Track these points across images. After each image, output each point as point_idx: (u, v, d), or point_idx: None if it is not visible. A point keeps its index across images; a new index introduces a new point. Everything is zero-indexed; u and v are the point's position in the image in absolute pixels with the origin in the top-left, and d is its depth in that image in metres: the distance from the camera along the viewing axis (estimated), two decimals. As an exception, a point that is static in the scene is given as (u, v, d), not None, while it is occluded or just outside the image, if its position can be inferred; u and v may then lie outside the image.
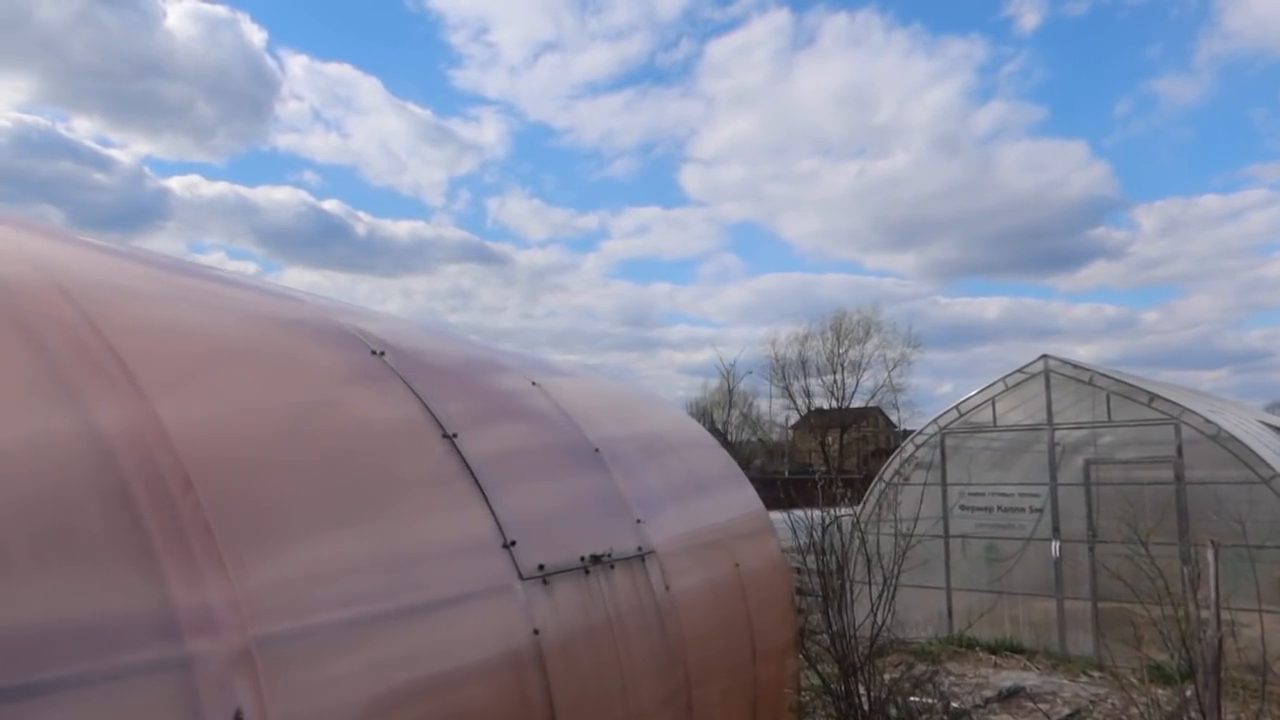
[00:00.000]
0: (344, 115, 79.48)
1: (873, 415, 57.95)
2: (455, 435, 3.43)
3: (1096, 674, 10.48)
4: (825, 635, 7.25)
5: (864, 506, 12.93)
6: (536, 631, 3.22)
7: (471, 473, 3.36)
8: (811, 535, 7.73)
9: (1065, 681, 10.28)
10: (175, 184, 75.67)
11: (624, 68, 79.89)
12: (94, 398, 2.23)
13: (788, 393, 53.96)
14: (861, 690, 7.00)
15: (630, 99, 79.57)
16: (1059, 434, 12.09)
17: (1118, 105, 74.73)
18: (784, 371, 53.62)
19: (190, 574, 2.04)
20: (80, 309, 2.58)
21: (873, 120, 74.01)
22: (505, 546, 3.28)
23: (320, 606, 2.40)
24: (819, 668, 7.34)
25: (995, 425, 12.73)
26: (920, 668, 7.52)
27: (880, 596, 7.25)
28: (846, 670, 7.05)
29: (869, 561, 7.52)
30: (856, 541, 7.95)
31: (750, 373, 47.96)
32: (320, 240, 73.78)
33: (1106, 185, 71.82)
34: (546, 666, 3.20)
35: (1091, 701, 9.36)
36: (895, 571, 7.32)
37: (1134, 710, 6.98)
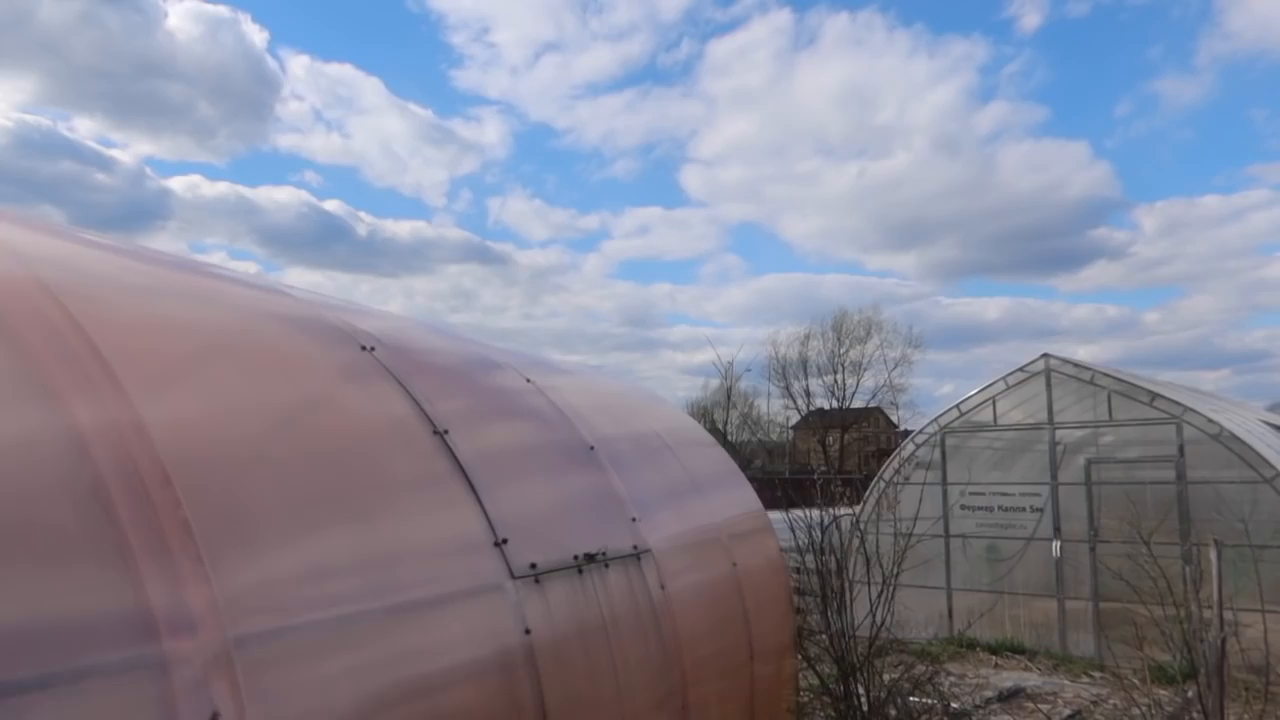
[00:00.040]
0: (345, 115, 79.48)
1: (873, 415, 57.88)
2: (446, 432, 3.38)
3: (1098, 674, 10.42)
4: (824, 635, 7.20)
5: (864, 506, 12.87)
6: (528, 631, 3.16)
7: (462, 470, 3.31)
8: (811, 535, 7.68)
9: (1066, 682, 10.22)
10: (176, 184, 75.69)
11: (625, 68, 79.90)
12: (71, 396, 2.18)
13: (788, 393, 53.94)
14: (860, 691, 6.94)
15: (631, 99, 79.55)
16: (1060, 433, 12.03)
17: (1119, 106, 74.70)
18: (784, 371, 53.60)
19: (167, 574, 1.99)
20: (61, 305, 2.53)
21: (874, 120, 73.99)
22: (496, 545, 3.23)
23: (303, 606, 2.35)
24: (818, 668, 7.29)
25: (996, 424, 12.67)
26: (920, 668, 7.46)
27: (879, 596, 7.20)
28: (845, 670, 7.00)
29: (868, 561, 7.47)
30: (856, 541, 7.90)
31: (749, 370, 47.85)
32: (321, 240, 73.80)
33: (1108, 185, 71.78)
34: (538, 667, 3.14)
35: (1093, 702, 9.30)
36: (895, 571, 7.27)
37: (1135, 711, 6.93)
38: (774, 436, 56.79)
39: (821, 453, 52.13)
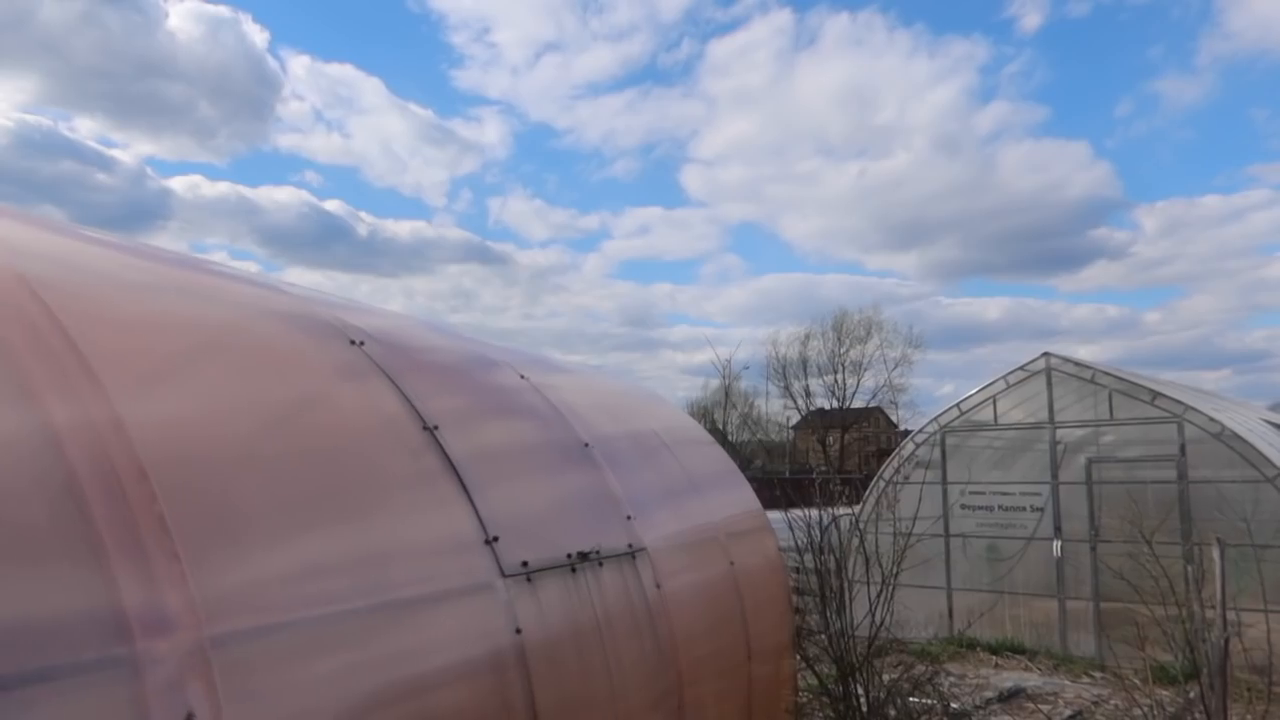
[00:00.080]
0: (346, 115, 79.39)
1: (874, 415, 57.82)
2: (436, 428, 3.32)
3: (1098, 675, 10.36)
4: (823, 635, 7.15)
5: (864, 506, 12.82)
6: (519, 631, 3.10)
7: (453, 466, 3.25)
8: (810, 535, 7.63)
9: (1067, 682, 10.16)
10: (177, 184, 75.60)
11: (625, 68, 79.79)
12: (47, 393, 2.12)
13: (788, 393, 53.88)
14: (860, 691, 6.89)
15: (632, 99, 79.46)
16: (1061, 432, 11.97)
17: (1119, 106, 74.55)
18: (784, 371, 53.54)
19: (140, 571, 1.94)
20: (41, 300, 2.47)
21: (874, 120, 73.86)
22: (487, 543, 3.17)
23: (285, 606, 2.29)
24: (817, 668, 7.24)
25: (996, 424, 12.61)
26: (920, 668, 7.40)
27: (879, 596, 7.14)
28: (844, 671, 6.95)
29: (867, 561, 7.42)
30: (855, 541, 7.85)
31: (746, 367, 47.70)
32: (322, 240, 73.72)
33: (1108, 185, 71.65)
34: (529, 667, 3.08)
35: (1094, 703, 9.24)
36: (894, 571, 7.22)
37: (1137, 711, 6.87)
38: (774, 437, 56.72)
39: (822, 453, 52.08)
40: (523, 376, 4.82)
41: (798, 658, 7.10)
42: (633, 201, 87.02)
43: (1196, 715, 6.14)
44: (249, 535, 2.34)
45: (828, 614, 7.18)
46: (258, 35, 77.85)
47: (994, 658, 11.20)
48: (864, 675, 6.91)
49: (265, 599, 2.26)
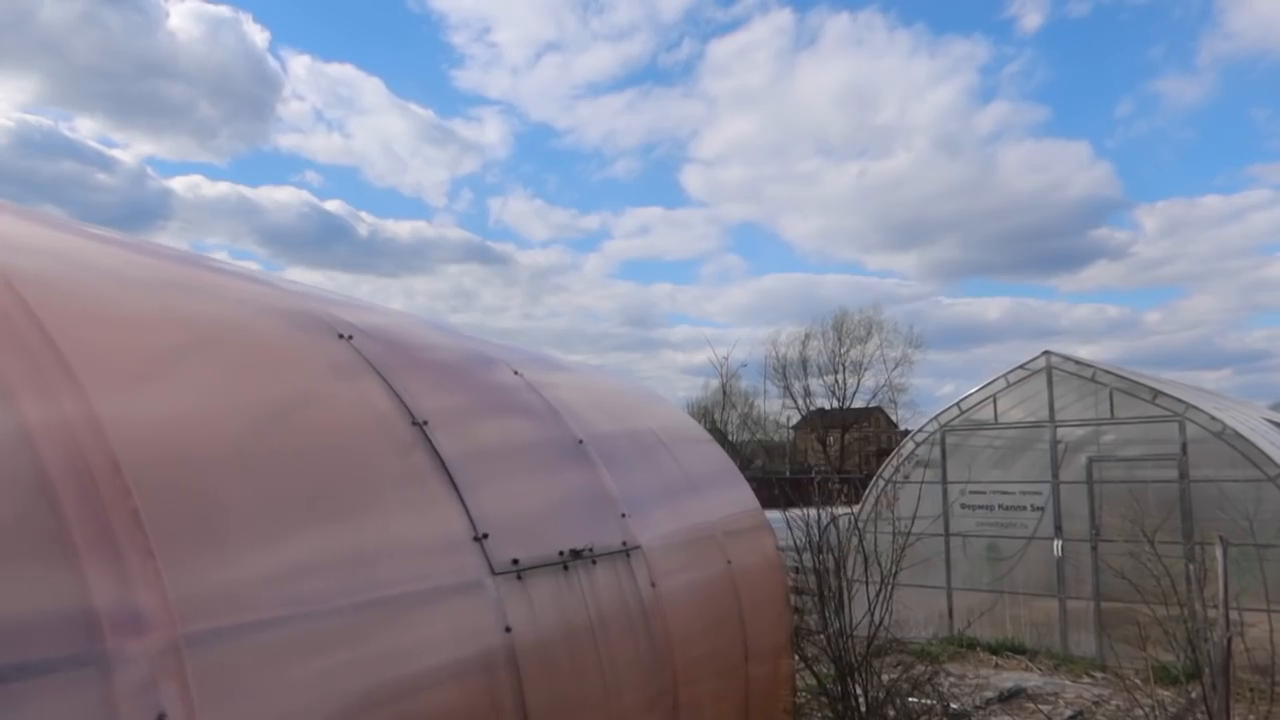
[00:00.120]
0: (346, 115, 79.23)
1: (874, 415, 57.75)
2: (425, 423, 3.26)
3: (1099, 675, 10.30)
4: (822, 635, 7.09)
5: (863, 505, 12.76)
6: (508, 629, 3.04)
7: (442, 462, 3.19)
8: (809, 534, 7.57)
9: (1067, 682, 10.10)
10: (178, 184, 75.46)
11: (626, 68, 79.63)
12: (20, 390, 2.06)
13: (788, 393, 53.81)
14: (859, 691, 6.84)
15: (632, 99, 79.32)
16: (1061, 431, 11.91)
17: (1120, 105, 74.36)
18: (785, 371, 53.47)
19: (113, 569, 1.87)
20: (18, 294, 2.41)
21: (875, 120, 73.70)
22: (476, 540, 3.11)
23: (266, 604, 2.23)
24: (815, 668, 7.18)
25: (997, 422, 12.55)
26: (919, 668, 7.35)
27: (878, 595, 7.09)
28: (843, 671, 6.89)
29: (866, 560, 7.36)
30: (854, 540, 7.79)
31: (744, 364, 47.52)
32: (322, 240, 73.58)
33: (1109, 185, 71.48)
34: (519, 667, 3.02)
35: (1094, 703, 9.18)
36: (893, 570, 7.16)
37: (1138, 712, 6.81)
38: (774, 437, 56.65)
39: (822, 453, 52.02)
40: (517, 373, 4.76)
41: (796, 658, 7.04)
42: (633, 201, 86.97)
43: (1198, 715, 6.08)
44: (229, 532, 2.27)
45: (826, 613, 7.12)
46: (258, 35, 77.74)
47: (994, 658, 11.14)
48: (863, 675, 6.85)
49: (245, 597, 2.20)
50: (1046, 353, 12.24)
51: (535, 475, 3.98)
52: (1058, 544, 11.58)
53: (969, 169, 71.52)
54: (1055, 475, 11.80)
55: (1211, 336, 74.17)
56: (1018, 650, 11.33)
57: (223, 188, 76.68)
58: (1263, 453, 10.23)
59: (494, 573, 3.10)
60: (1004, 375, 12.47)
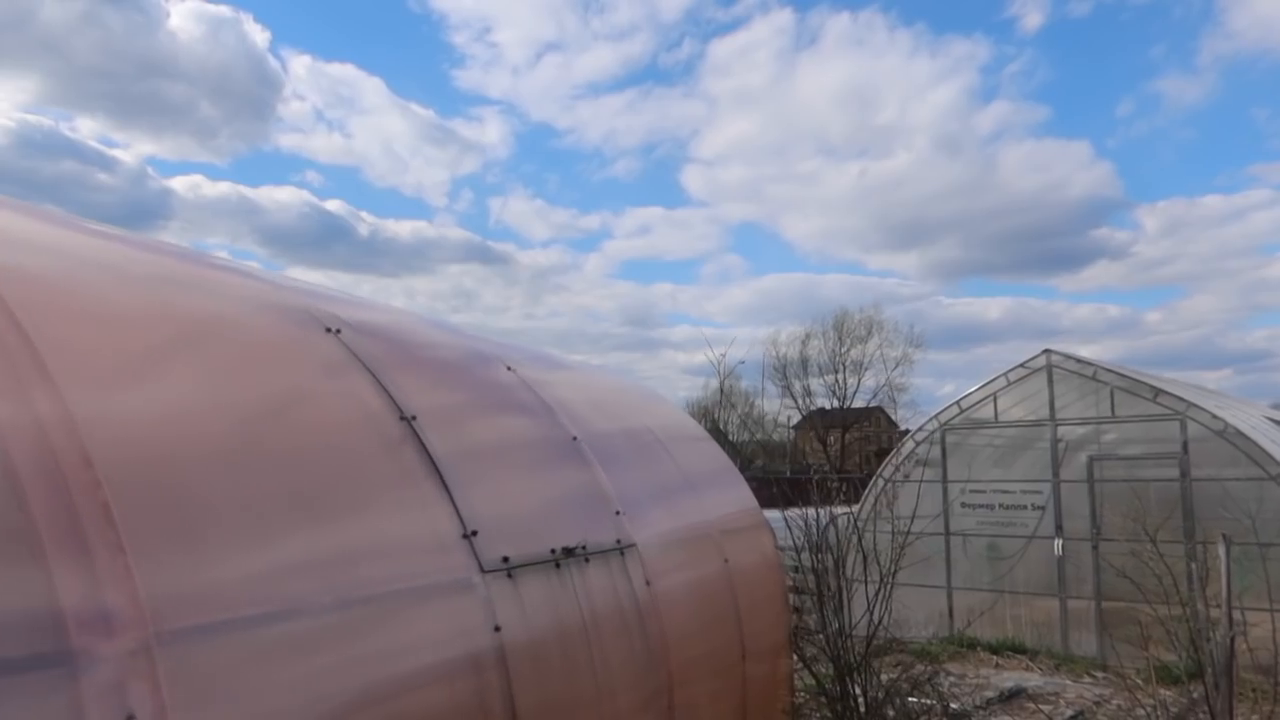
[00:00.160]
0: (347, 115, 79.02)
1: (875, 415, 57.68)
2: (414, 418, 3.20)
3: (1100, 675, 10.23)
4: (821, 635, 7.03)
5: (863, 504, 12.69)
6: (498, 629, 2.98)
7: (430, 458, 3.12)
8: (807, 533, 7.51)
9: (1068, 682, 10.04)
10: (178, 184, 75.23)
11: (626, 68, 79.41)
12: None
13: (789, 392, 53.73)
14: (858, 691, 6.77)
15: (632, 99, 79.11)
16: (1062, 430, 11.84)
17: (1121, 105, 74.09)
18: (785, 371, 53.39)
19: (81, 565, 1.81)
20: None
21: (875, 120, 73.48)
22: (465, 537, 3.04)
23: (244, 603, 2.17)
24: (814, 668, 7.12)
25: (997, 421, 12.48)
26: (919, 668, 7.28)
27: (877, 595, 7.02)
28: (842, 670, 6.83)
29: (865, 559, 7.29)
30: (854, 539, 7.72)
31: (742, 362, 47.35)
32: (323, 240, 73.38)
33: (1109, 185, 71.23)
34: (508, 667, 2.96)
35: (1095, 703, 9.12)
36: (892, 570, 7.10)
37: (1140, 712, 6.75)
38: (774, 436, 56.57)
39: (822, 452, 51.94)
40: (511, 369, 4.70)
41: (795, 657, 6.98)
42: (633, 201, 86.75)
43: (1200, 715, 6.02)
44: (207, 530, 2.21)
45: (825, 613, 7.06)
46: (259, 35, 77.53)
47: (994, 657, 11.07)
48: (862, 675, 6.79)
49: (223, 596, 2.13)
50: (1047, 351, 12.17)
51: (527, 472, 3.91)
52: (1058, 543, 11.52)
53: (969, 169, 71.39)
54: (1056, 474, 11.73)
55: (1212, 336, 74.03)
56: (1018, 650, 11.26)
57: (223, 188, 76.54)
58: (1265, 451, 10.16)
59: (483, 571, 3.04)
60: (1004, 374, 12.40)
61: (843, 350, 53.13)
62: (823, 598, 7.11)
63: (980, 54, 73.49)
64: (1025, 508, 12.01)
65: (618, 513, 4.33)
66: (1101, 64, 73.15)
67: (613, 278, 79.45)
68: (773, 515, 8.30)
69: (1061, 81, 73.78)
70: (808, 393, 53.94)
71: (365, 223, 75.87)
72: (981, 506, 12.36)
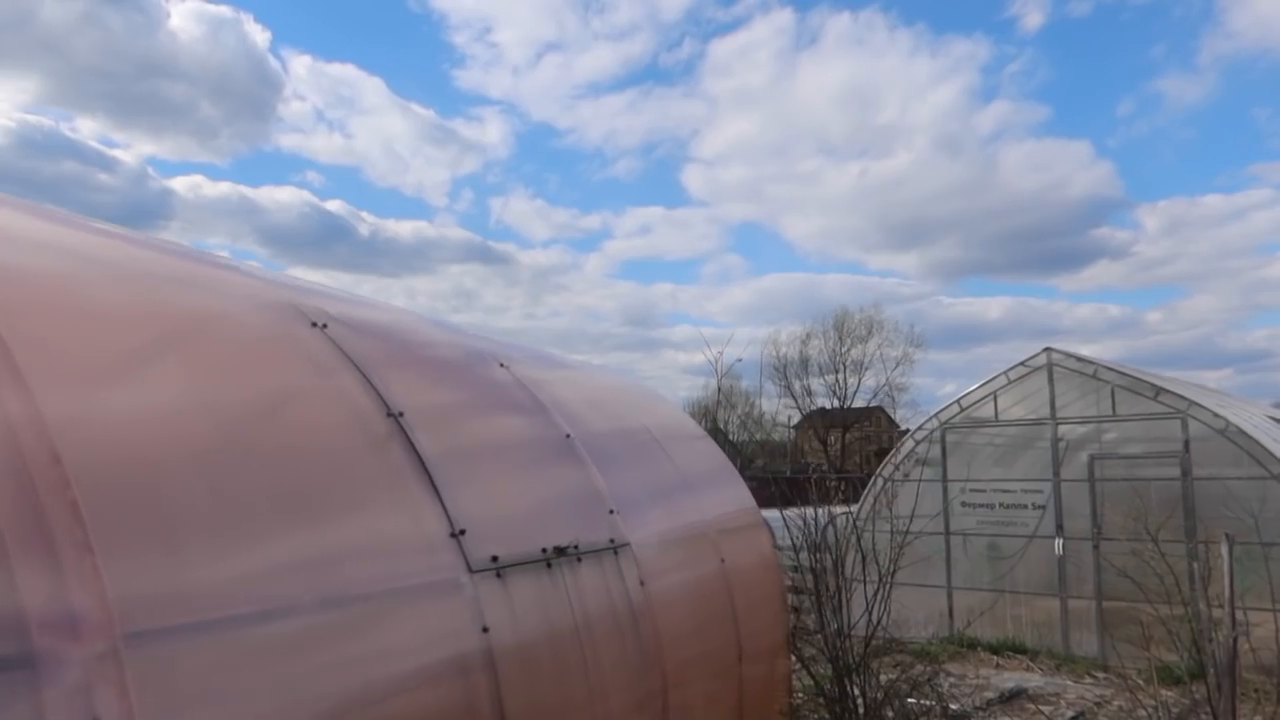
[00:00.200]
0: (347, 115, 78.90)
1: (875, 415, 57.61)
2: (401, 415, 3.13)
3: (1101, 675, 10.17)
4: (819, 635, 6.97)
5: (862, 504, 12.63)
6: (486, 630, 2.91)
7: (418, 455, 3.06)
8: (805, 533, 7.45)
9: (1069, 683, 9.97)
10: (179, 184, 75.08)
11: (627, 68, 79.28)
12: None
13: (789, 392, 53.66)
14: (857, 692, 6.71)
15: (633, 99, 79.00)
16: (1062, 429, 11.77)
17: (1121, 105, 73.93)
18: (785, 371, 53.31)
19: (45, 564, 1.75)
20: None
21: (875, 120, 73.33)
22: (453, 536, 2.98)
23: (220, 605, 2.10)
24: (813, 669, 7.06)
25: (997, 420, 12.41)
26: (919, 669, 7.22)
27: (876, 595, 6.96)
28: (841, 671, 6.77)
29: (864, 559, 7.23)
30: (853, 539, 7.66)
31: (740, 360, 47.24)
32: (323, 240, 73.25)
33: (1110, 185, 71.07)
34: (497, 669, 2.89)
35: (1096, 704, 9.05)
36: (891, 569, 7.03)
37: (1141, 713, 6.69)
38: (773, 436, 56.49)
39: (823, 452, 51.87)
40: (504, 367, 4.63)
41: (793, 658, 6.91)
42: (634, 201, 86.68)
43: (1203, 716, 5.95)
44: (183, 529, 2.15)
45: (824, 613, 7.00)
46: (259, 35, 77.40)
47: (995, 658, 11.01)
48: (861, 676, 6.73)
49: (198, 597, 2.07)
50: (1048, 349, 12.11)
51: (519, 470, 3.85)
52: (1059, 542, 11.45)
53: (970, 168, 71.25)
54: (1056, 473, 11.66)
55: (1213, 336, 73.88)
56: (1019, 650, 11.20)
57: (224, 188, 76.41)
58: (1267, 450, 10.09)
59: (471, 571, 2.97)
60: (1005, 372, 12.33)
61: (843, 350, 53.07)
62: (821, 598, 7.04)
63: (981, 54, 73.37)
64: (1026, 507, 11.94)
65: (611, 512, 4.26)
66: (1102, 64, 73.05)
67: (613, 278, 79.38)
68: (772, 515, 8.24)
69: (1062, 81, 73.68)
70: (808, 392, 53.87)
71: (366, 223, 75.79)
72: (982, 506, 12.29)
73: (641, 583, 4.19)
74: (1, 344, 2.12)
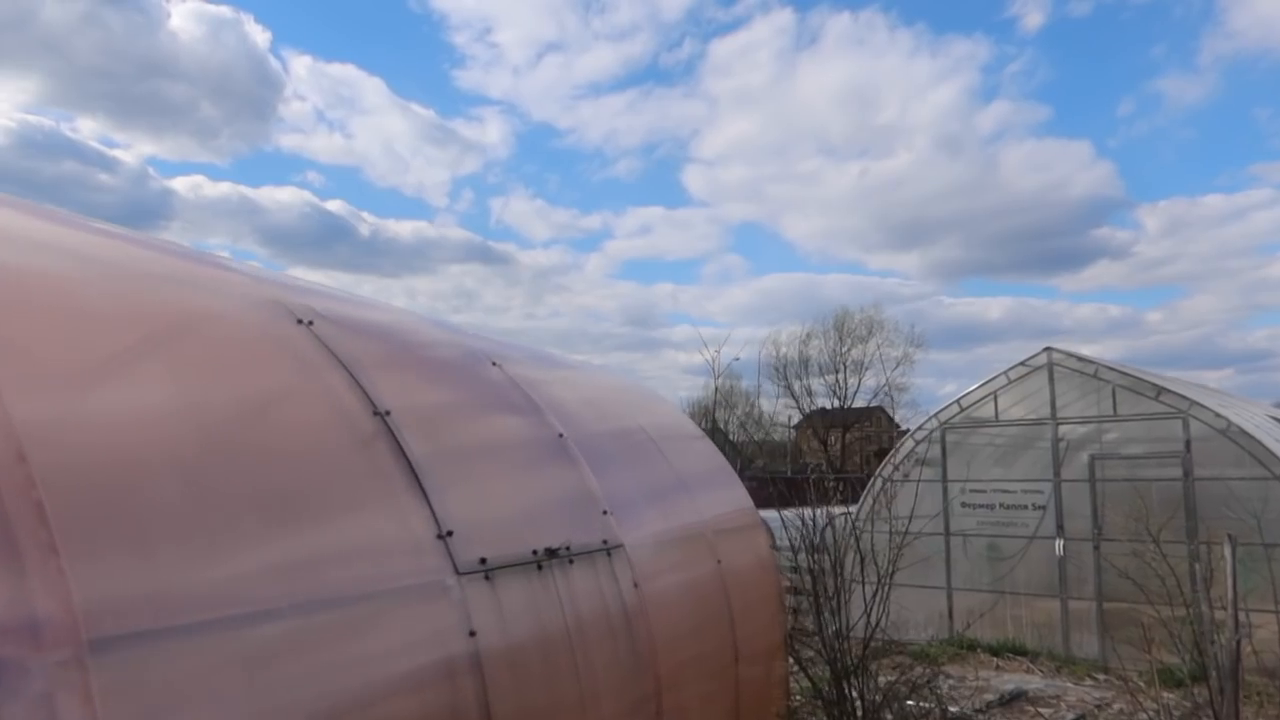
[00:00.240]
0: (347, 116, 78.78)
1: (875, 415, 57.53)
2: (388, 413, 3.07)
3: (1102, 677, 10.10)
4: (817, 637, 6.90)
5: (861, 504, 12.56)
6: (473, 634, 2.85)
7: (404, 455, 3.00)
8: (803, 533, 7.38)
9: (1069, 685, 9.91)
10: (179, 184, 74.93)
11: (627, 68, 79.15)
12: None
13: (789, 392, 53.57)
14: (855, 695, 6.65)
15: (633, 99, 78.88)
16: (1063, 429, 11.71)
17: (1122, 105, 73.72)
18: (785, 371, 53.22)
19: (9, 570, 1.68)
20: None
21: (876, 120, 73.16)
22: (440, 538, 2.91)
23: (195, 609, 2.04)
24: (811, 671, 6.99)
25: (997, 420, 12.34)
26: (918, 670, 7.15)
27: (874, 596, 6.90)
28: (839, 673, 6.71)
29: (862, 560, 7.16)
30: (851, 540, 7.59)
31: (737, 359, 47.09)
32: (324, 240, 73.14)
33: (1110, 185, 70.90)
34: (484, 673, 2.83)
35: (1097, 706, 8.99)
36: (889, 570, 6.97)
37: (1142, 715, 6.64)
38: (772, 435, 56.38)
39: (823, 452, 51.79)
40: (496, 366, 4.57)
41: (791, 660, 6.85)
42: (634, 201, 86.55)
43: (1204, 719, 5.89)
44: (158, 532, 2.08)
45: (822, 615, 6.93)
46: (259, 35, 77.25)
47: (995, 659, 10.94)
48: (859, 678, 6.67)
49: (172, 602, 2.00)
50: (1048, 349, 12.04)
51: (509, 471, 3.78)
52: (1059, 543, 11.38)
53: (970, 169, 71.10)
54: (1057, 473, 11.60)
55: (1213, 336, 73.72)
56: (1019, 652, 11.13)
57: (224, 188, 76.28)
58: (1269, 450, 10.02)
59: (458, 573, 2.91)
60: (1005, 372, 12.26)
61: (843, 350, 52.96)
62: (819, 599, 6.98)
63: (981, 54, 73.19)
64: (1026, 507, 11.88)
65: (605, 512, 4.20)
66: (1102, 64, 72.87)
67: (614, 278, 79.25)
68: (770, 515, 8.18)
69: (1062, 81, 73.50)
70: (808, 392, 53.78)
71: (366, 223, 75.66)
72: (982, 506, 12.22)
73: (635, 584, 4.12)
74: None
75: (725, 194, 76.72)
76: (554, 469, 4.09)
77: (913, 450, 12.88)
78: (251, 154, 74.92)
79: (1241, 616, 6.18)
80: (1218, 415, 10.47)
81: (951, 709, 7.72)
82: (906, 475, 12.59)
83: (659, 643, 4.17)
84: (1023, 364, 12.11)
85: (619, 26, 75.87)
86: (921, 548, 9.95)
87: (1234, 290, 70.75)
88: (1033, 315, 71.86)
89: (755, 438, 53.21)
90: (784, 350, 53.22)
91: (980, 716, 8.52)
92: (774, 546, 7.52)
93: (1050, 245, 71.50)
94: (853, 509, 12.38)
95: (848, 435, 54.54)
